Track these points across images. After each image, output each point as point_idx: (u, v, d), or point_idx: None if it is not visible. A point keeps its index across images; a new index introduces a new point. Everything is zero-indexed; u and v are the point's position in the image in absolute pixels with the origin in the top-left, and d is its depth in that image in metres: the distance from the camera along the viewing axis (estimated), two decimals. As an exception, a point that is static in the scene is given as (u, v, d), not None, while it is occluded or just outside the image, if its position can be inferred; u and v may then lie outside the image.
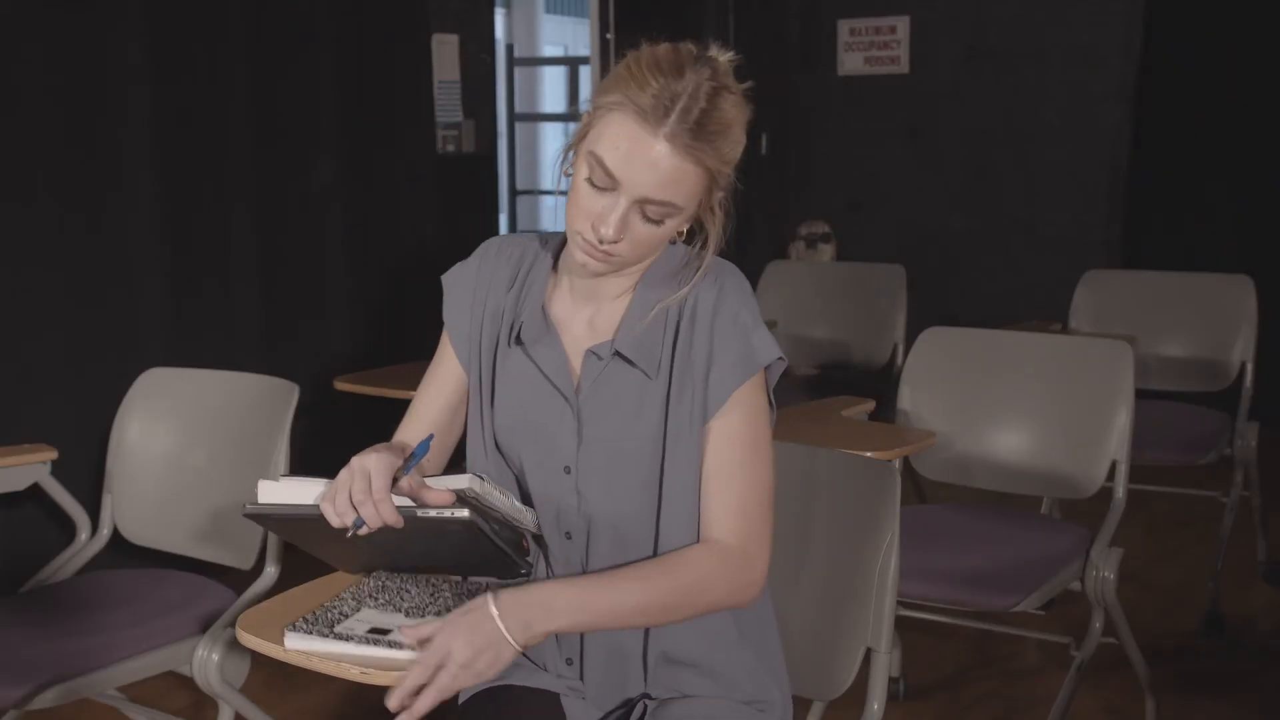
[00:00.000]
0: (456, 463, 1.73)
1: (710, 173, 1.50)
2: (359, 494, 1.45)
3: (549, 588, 1.50)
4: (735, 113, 1.50)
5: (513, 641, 1.44)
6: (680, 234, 1.59)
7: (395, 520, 1.46)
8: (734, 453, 1.57)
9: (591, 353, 1.61)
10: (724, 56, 1.52)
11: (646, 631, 1.63)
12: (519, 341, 1.64)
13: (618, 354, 1.59)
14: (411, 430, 1.72)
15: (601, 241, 1.50)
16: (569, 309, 1.65)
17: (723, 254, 1.64)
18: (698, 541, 1.58)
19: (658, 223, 1.51)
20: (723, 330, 1.56)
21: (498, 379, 1.67)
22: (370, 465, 1.47)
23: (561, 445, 1.61)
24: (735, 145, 1.51)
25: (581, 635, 1.65)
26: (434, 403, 1.73)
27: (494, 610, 1.45)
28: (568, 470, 1.61)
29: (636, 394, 1.59)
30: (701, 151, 1.46)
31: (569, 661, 1.68)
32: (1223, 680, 3.33)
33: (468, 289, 1.70)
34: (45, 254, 3.45)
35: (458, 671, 1.42)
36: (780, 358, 1.59)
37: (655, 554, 1.59)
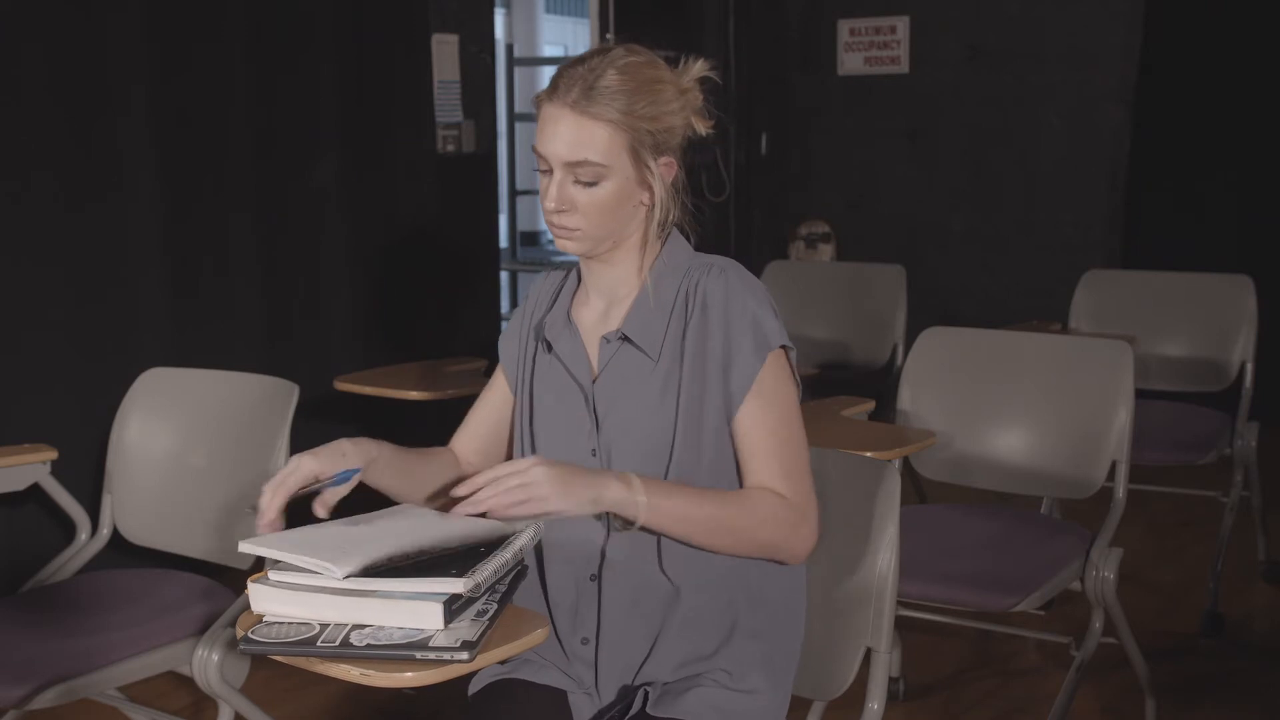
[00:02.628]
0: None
1: (624, 129, 1.63)
2: (269, 484, 1.58)
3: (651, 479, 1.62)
4: (645, 73, 1.64)
5: (616, 478, 1.58)
6: (644, 206, 1.70)
7: (266, 524, 1.57)
8: (768, 430, 1.67)
9: (604, 339, 1.74)
10: (694, 68, 1.70)
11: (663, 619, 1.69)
12: (548, 346, 1.77)
13: (624, 337, 1.71)
14: (462, 440, 1.90)
15: (553, 215, 1.67)
16: (588, 308, 1.79)
17: (724, 253, 1.77)
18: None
19: (592, 184, 1.65)
20: (736, 324, 1.67)
21: (535, 385, 1.79)
22: (299, 465, 1.60)
23: (584, 432, 1.71)
24: (652, 103, 1.64)
25: (599, 614, 1.69)
26: (485, 419, 1.90)
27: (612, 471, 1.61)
28: (594, 454, 1.70)
29: (644, 378, 1.69)
30: (601, 107, 1.61)
31: (584, 641, 1.71)
32: (1223, 680, 3.33)
33: (522, 317, 1.86)
34: (45, 253, 3.45)
35: (548, 479, 1.53)
36: (787, 345, 1.69)
37: None
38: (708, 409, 1.67)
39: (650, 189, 1.69)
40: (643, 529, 1.61)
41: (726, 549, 1.66)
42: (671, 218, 1.72)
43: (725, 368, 1.66)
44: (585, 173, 1.64)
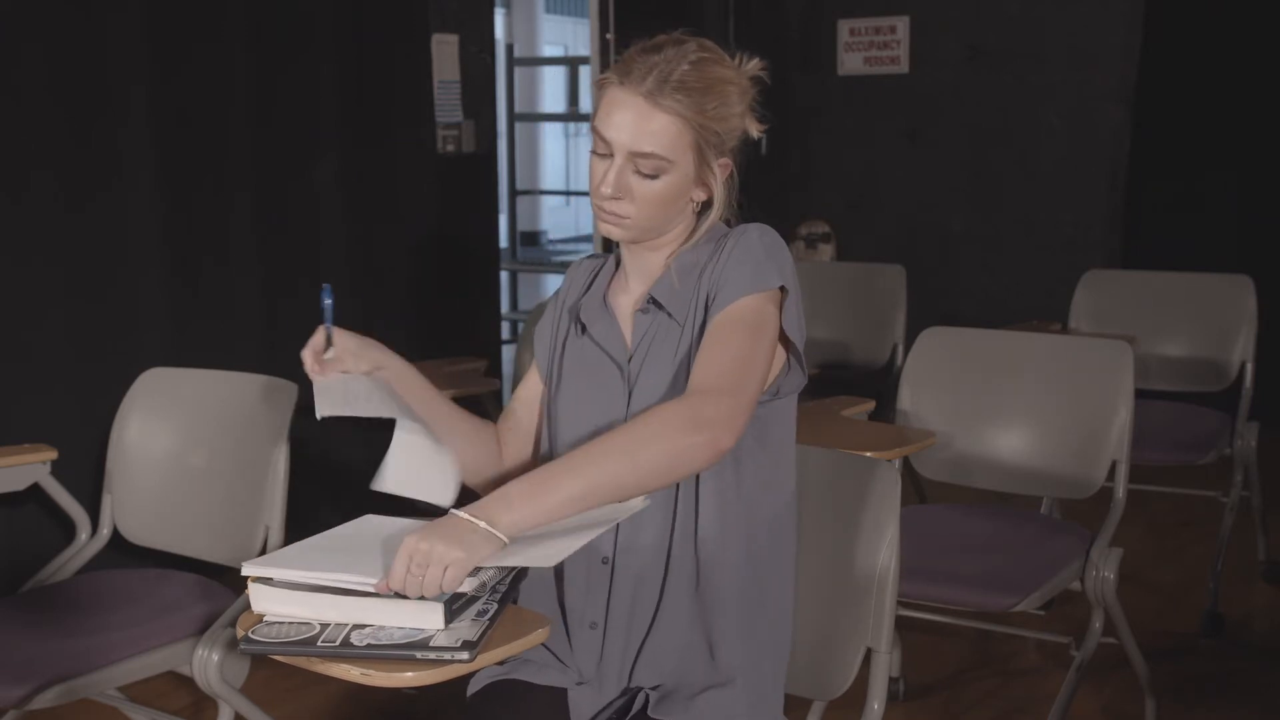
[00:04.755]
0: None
1: (693, 127, 1.62)
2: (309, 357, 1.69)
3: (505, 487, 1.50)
4: (716, 72, 1.64)
5: (487, 527, 1.43)
6: (694, 202, 1.70)
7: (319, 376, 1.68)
8: (719, 337, 1.59)
9: (638, 311, 1.73)
10: (751, 65, 1.69)
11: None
12: (583, 329, 1.76)
13: (652, 300, 1.70)
14: (502, 425, 1.87)
15: (605, 200, 1.65)
16: (627, 294, 1.78)
17: None
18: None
19: (653, 177, 1.64)
20: (736, 260, 1.65)
21: (565, 367, 1.78)
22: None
23: (616, 408, 1.70)
24: (721, 104, 1.64)
25: (609, 599, 1.69)
26: (521, 398, 1.87)
27: (458, 512, 1.46)
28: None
29: (672, 343, 1.68)
30: (676, 102, 1.60)
31: (593, 625, 1.71)
32: (1222, 680, 3.33)
33: (556, 303, 1.86)
34: (45, 253, 3.45)
35: (437, 552, 1.40)
36: (784, 287, 1.66)
37: (697, 504, 1.66)
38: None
39: (706, 186, 1.69)
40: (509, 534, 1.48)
41: (639, 484, 1.50)
42: (718, 212, 1.72)
43: (713, 297, 1.64)
44: (648, 164, 1.63)
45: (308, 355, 1.69)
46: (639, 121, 1.61)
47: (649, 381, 1.68)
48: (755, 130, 1.71)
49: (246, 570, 1.50)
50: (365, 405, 1.68)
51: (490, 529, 1.44)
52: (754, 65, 1.69)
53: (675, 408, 1.50)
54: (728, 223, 1.76)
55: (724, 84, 1.65)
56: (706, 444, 1.49)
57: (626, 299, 1.77)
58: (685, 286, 1.69)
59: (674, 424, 1.49)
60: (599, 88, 1.67)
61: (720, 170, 1.68)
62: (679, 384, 1.64)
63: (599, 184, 1.65)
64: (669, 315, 1.69)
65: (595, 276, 1.83)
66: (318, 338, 1.70)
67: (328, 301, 1.71)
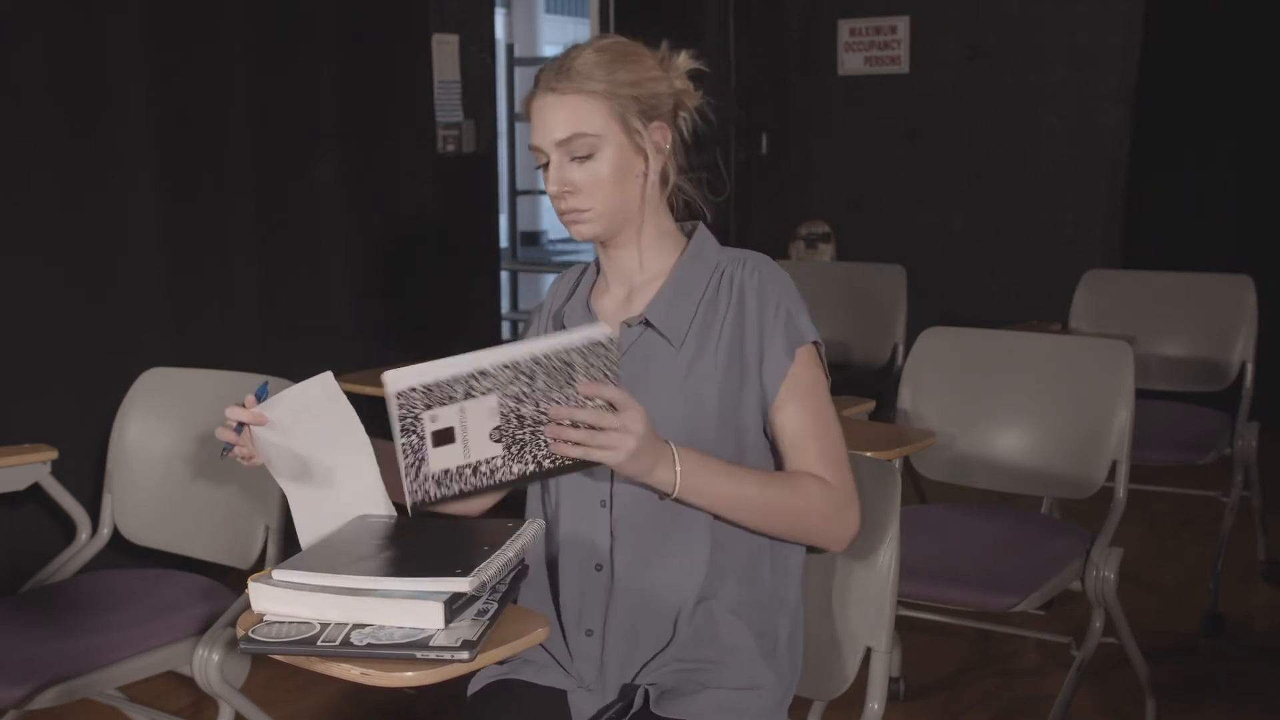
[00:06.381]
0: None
1: (606, 98, 1.65)
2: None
3: (698, 452, 1.61)
4: (623, 49, 1.68)
5: (676, 459, 1.57)
6: (645, 174, 1.70)
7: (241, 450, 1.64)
8: (804, 423, 1.69)
9: (625, 324, 1.73)
10: (679, 57, 1.73)
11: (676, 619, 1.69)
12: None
13: (646, 323, 1.72)
14: None
15: (560, 201, 1.68)
16: (609, 296, 1.80)
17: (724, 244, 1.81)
18: None
19: (588, 157, 1.66)
20: (770, 319, 1.69)
21: None
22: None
23: None
24: (635, 71, 1.67)
25: (607, 605, 1.69)
26: None
27: (672, 445, 1.58)
28: None
29: (665, 364, 1.70)
30: (581, 81, 1.65)
31: (589, 633, 1.71)
32: (1223, 680, 3.33)
33: (542, 312, 1.88)
34: (45, 253, 3.45)
35: (629, 433, 1.49)
36: (817, 341, 1.72)
37: (679, 520, 1.68)
38: (745, 403, 1.69)
39: (645, 156, 1.70)
40: (675, 497, 1.60)
41: (771, 530, 1.68)
42: (670, 180, 1.74)
43: (759, 362, 1.68)
44: (579, 146, 1.65)
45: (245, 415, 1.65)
46: (552, 113, 1.66)
47: (639, 399, 1.64)
48: (691, 100, 1.73)
49: (278, 576, 1.49)
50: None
51: (675, 476, 1.56)
52: (684, 58, 1.73)
53: (828, 498, 1.67)
54: (702, 213, 1.78)
55: (635, 55, 1.68)
56: (843, 542, 1.71)
57: (609, 301, 1.79)
58: (682, 308, 1.71)
59: (828, 514, 1.67)
60: (524, 114, 1.72)
61: (656, 132, 1.69)
62: (665, 406, 1.65)
63: (548, 190, 1.69)
64: (664, 338, 1.71)
65: (578, 283, 1.85)
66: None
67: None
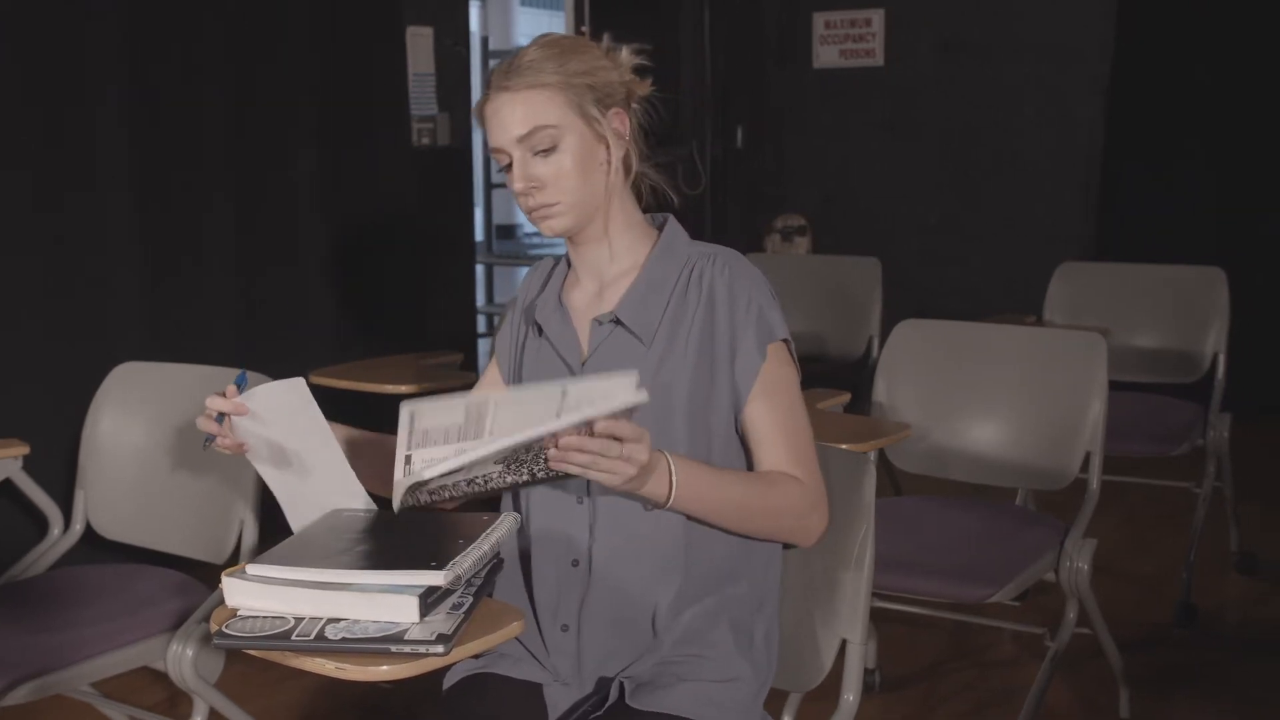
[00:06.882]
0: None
1: (560, 89, 1.65)
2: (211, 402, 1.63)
3: (689, 460, 1.62)
4: (568, 43, 1.69)
5: (673, 475, 1.56)
6: (608, 163, 1.70)
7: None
8: (776, 420, 1.70)
9: (595, 320, 1.74)
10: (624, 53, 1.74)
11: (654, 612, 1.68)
12: (539, 329, 1.77)
13: (616, 320, 1.71)
14: None
15: (527, 199, 1.68)
16: (579, 290, 1.79)
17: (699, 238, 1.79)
18: None
19: (550, 149, 1.66)
20: (741, 316, 1.69)
21: (524, 370, 1.79)
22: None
23: None
24: (584, 61, 1.67)
25: (582, 601, 1.69)
26: None
27: (669, 455, 1.58)
28: None
29: (635, 362, 1.67)
30: (533, 76, 1.65)
31: (564, 628, 1.71)
32: (1196, 670, 3.35)
33: (515, 306, 1.87)
34: (19, 248, 3.43)
35: (631, 462, 1.47)
36: (787, 338, 1.73)
37: (656, 518, 1.67)
38: (716, 400, 1.69)
39: (606, 143, 1.70)
40: (668, 509, 1.60)
41: (747, 530, 1.69)
42: (634, 167, 1.74)
43: (731, 359, 1.68)
44: (540, 139, 1.65)
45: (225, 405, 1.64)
46: (508, 110, 1.65)
47: None
48: (640, 88, 1.73)
49: (252, 570, 1.48)
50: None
51: (669, 490, 1.56)
52: (626, 53, 1.73)
53: (803, 497, 1.69)
54: (670, 202, 1.79)
55: (582, 47, 1.69)
56: (813, 538, 1.73)
57: (580, 294, 1.79)
58: (653, 305, 1.71)
59: (801, 513, 1.69)
60: (478, 120, 1.72)
61: (614, 119, 1.70)
62: (646, 407, 1.61)
63: (514, 188, 1.69)
64: (631, 333, 1.70)
65: (550, 276, 1.84)
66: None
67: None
